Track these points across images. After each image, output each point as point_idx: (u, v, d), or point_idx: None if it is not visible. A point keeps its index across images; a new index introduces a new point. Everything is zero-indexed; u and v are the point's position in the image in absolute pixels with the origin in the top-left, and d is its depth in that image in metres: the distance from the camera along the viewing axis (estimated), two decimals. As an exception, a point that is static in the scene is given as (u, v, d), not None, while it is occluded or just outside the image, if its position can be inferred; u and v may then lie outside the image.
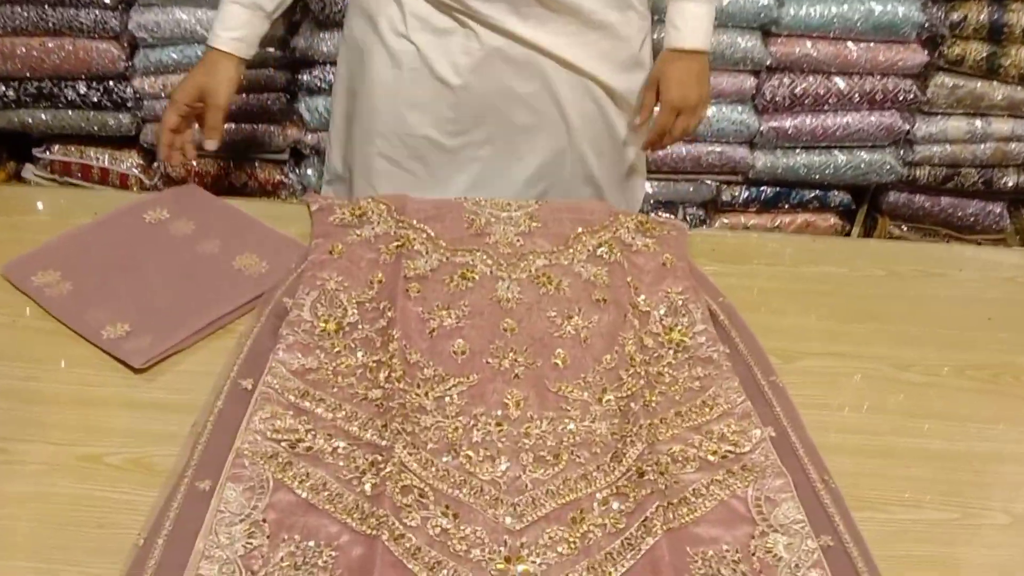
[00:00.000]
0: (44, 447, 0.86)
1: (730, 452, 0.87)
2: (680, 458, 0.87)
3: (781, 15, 1.86)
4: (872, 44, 1.91)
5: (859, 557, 0.78)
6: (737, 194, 2.11)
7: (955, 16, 1.89)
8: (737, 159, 2.04)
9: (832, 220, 2.18)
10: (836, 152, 2.04)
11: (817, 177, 2.06)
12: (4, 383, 0.93)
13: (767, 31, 1.90)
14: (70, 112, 1.95)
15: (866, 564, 0.77)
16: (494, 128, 1.31)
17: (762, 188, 2.11)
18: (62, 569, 0.74)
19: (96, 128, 1.96)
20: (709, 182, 2.09)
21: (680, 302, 1.08)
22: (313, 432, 0.86)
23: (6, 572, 0.74)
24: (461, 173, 1.34)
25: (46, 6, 1.81)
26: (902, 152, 2.06)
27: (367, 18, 1.29)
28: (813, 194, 2.12)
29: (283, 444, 0.84)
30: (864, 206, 2.19)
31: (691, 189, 2.09)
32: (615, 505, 0.81)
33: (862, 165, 2.05)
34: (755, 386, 0.98)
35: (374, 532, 0.76)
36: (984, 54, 1.92)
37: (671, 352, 1.01)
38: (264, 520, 0.77)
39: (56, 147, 2.03)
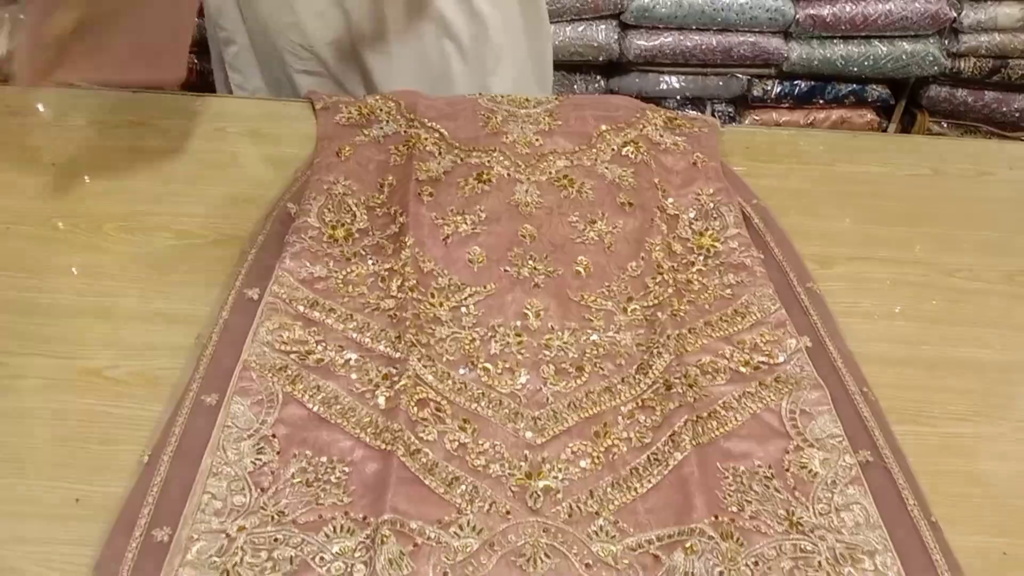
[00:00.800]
0: (43, 360, 0.83)
1: (763, 363, 0.84)
2: (710, 369, 0.84)
3: None
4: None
5: (900, 473, 0.75)
6: (769, 88, 2.03)
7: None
8: (771, 50, 1.95)
9: (868, 116, 2.11)
10: (876, 42, 1.95)
11: (855, 70, 1.97)
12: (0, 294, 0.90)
13: (804, -89, 1.80)
14: None
15: (907, 480, 0.75)
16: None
17: (796, 82, 2.03)
18: (66, 487, 0.73)
19: None
20: (740, 76, 2.01)
21: (711, 204, 1.03)
22: (323, 343, 0.84)
23: (6, 490, 0.72)
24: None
25: None
26: (947, 42, 1.97)
27: None
28: (849, 88, 2.04)
29: (292, 356, 0.82)
30: (903, 101, 2.11)
31: (720, 83, 2.01)
32: (641, 418, 0.78)
33: (903, 56, 1.96)
34: (791, 293, 0.94)
35: (388, 447, 0.74)
36: None
37: (701, 258, 0.97)
38: (273, 435, 0.75)
39: None
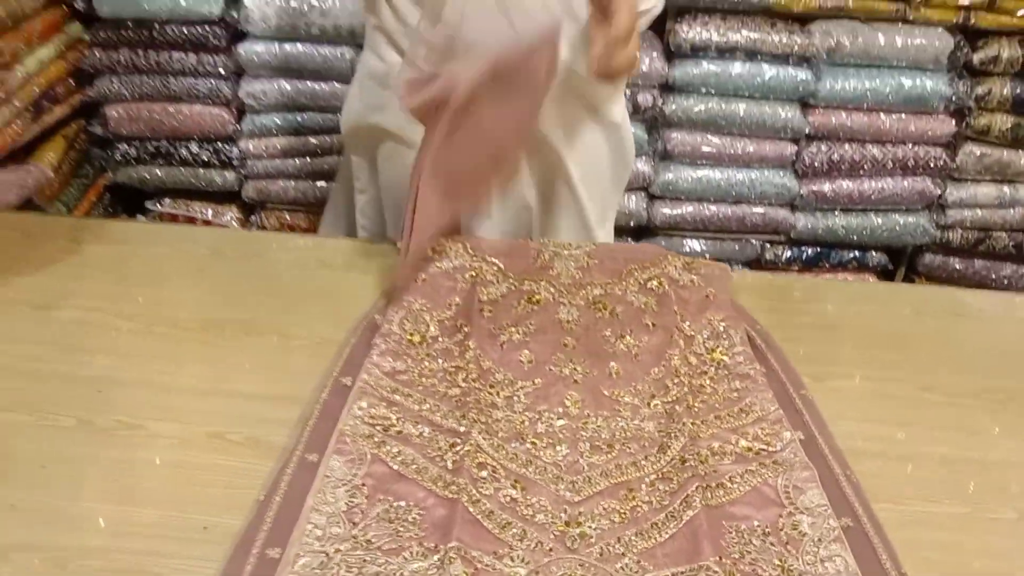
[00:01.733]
0: (177, 426, 0.99)
1: (763, 450, 0.97)
2: (718, 452, 0.96)
3: (818, 88, 1.99)
4: (903, 115, 2.02)
5: (876, 536, 0.86)
6: (780, 253, 2.21)
7: (980, 90, 2.00)
8: (779, 220, 2.15)
9: (871, 280, 2.27)
10: (872, 215, 2.14)
11: (855, 238, 2.15)
12: (144, 377, 1.07)
13: (805, 103, 2.03)
14: (181, 169, 2.15)
15: (882, 542, 0.85)
16: None
17: (803, 248, 2.21)
18: (196, 518, 0.86)
19: (204, 184, 2.16)
20: (754, 241, 2.20)
21: (722, 327, 1.18)
22: (402, 419, 0.98)
23: (145, 516, 0.86)
24: None
25: (170, 76, 2.03)
26: (935, 216, 2.15)
27: None
28: (852, 255, 2.21)
29: (378, 428, 0.96)
30: (902, 267, 2.27)
31: (736, 248, 2.20)
32: (660, 487, 0.91)
33: (897, 227, 2.14)
34: (787, 398, 1.07)
35: (454, 496, 0.87)
36: (1008, 125, 2.02)
37: (712, 368, 1.11)
38: (363, 484, 0.89)
39: (166, 200, 2.24)
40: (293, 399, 1.03)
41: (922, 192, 2.09)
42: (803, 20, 1.98)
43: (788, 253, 2.21)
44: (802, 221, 2.15)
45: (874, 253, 2.20)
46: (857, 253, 2.20)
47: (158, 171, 2.16)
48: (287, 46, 1.98)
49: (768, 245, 2.20)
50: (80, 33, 2.07)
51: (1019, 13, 1.92)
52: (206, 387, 1.06)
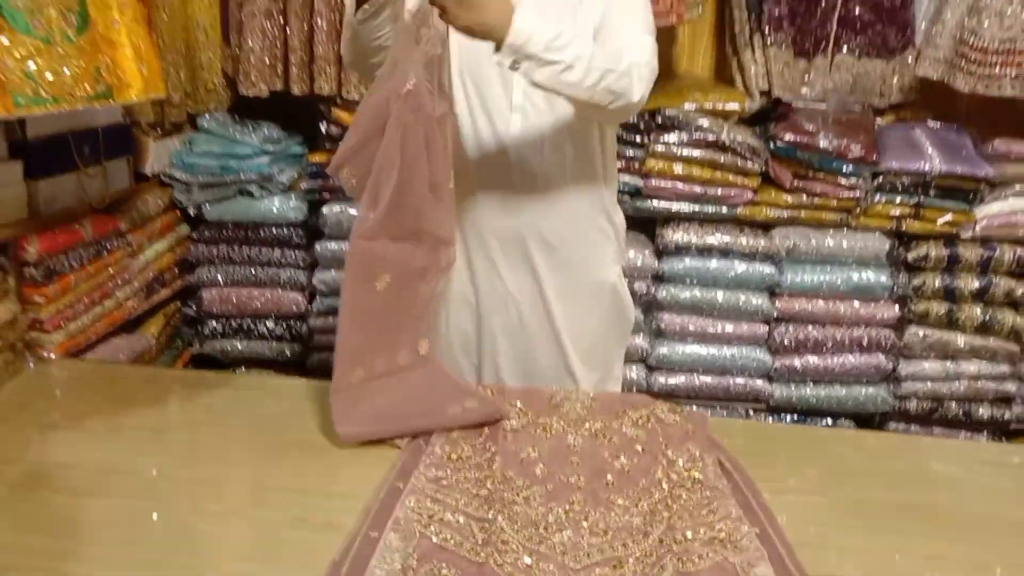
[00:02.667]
0: (270, 512, 1.21)
1: (726, 538, 1.17)
2: (691, 539, 1.16)
3: (781, 280, 2.28)
4: (855, 302, 2.29)
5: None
6: (762, 420, 2.42)
7: (916, 281, 2.28)
8: (759, 389, 2.38)
9: (843, 445, 2.45)
10: (838, 386, 2.36)
11: (825, 406, 2.37)
12: (246, 476, 1.31)
13: (772, 292, 2.32)
14: (258, 342, 2.45)
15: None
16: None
17: (783, 415, 2.42)
18: (281, 569, 1.08)
19: (275, 355, 2.45)
20: (740, 409, 2.42)
21: (697, 453, 1.40)
22: (443, 510, 1.19)
23: (240, 568, 1.08)
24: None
25: (258, 266, 2.38)
26: (892, 387, 2.37)
27: None
28: (826, 422, 2.41)
29: (424, 516, 1.17)
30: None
31: (724, 414, 2.42)
32: (644, 560, 1.10)
33: (860, 397, 2.35)
34: (747, 503, 1.27)
35: (484, 560, 1.07)
36: (944, 310, 2.28)
37: (689, 482, 1.32)
38: (413, 552, 1.09)
39: (242, 369, 2.51)
40: (355, 497, 1.25)
41: (877, 367, 2.33)
42: (766, 227, 2.32)
43: (769, 419, 2.41)
44: (779, 391, 2.37)
45: (844, 420, 2.40)
46: (830, 420, 2.41)
47: (238, 344, 2.46)
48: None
49: (752, 412, 2.42)
50: (187, 232, 2.44)
51: (940, 221, 2.25)
52: (294, 485, 1.29)
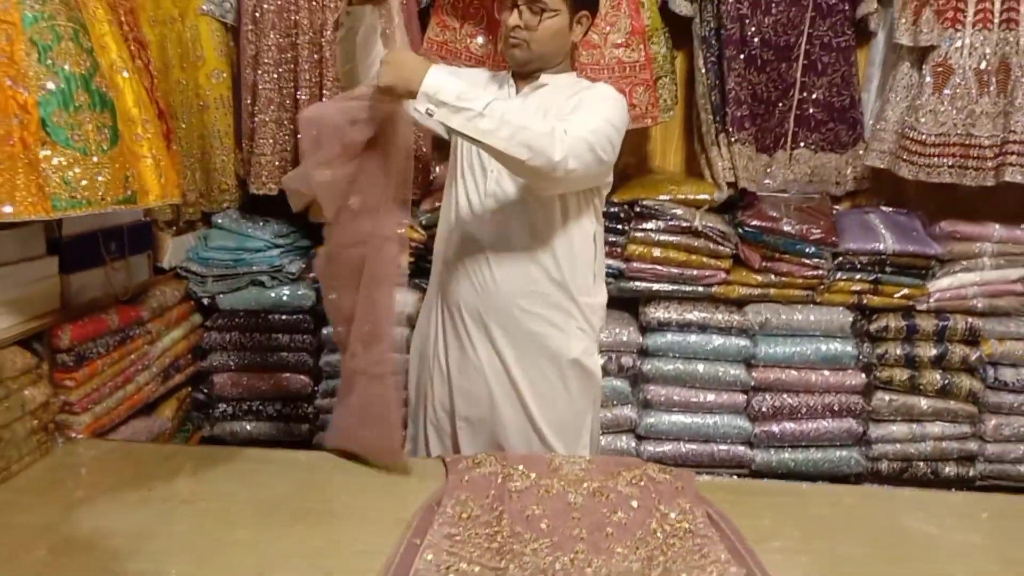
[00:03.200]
0: (301, 569, 1.29)
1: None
2: (684, 580, 1.26)
3: (756, 352, 2.42)
4: (825, 371, 2.43)
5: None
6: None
7: (879, 350, 2.43)
8: (740, 455, 2.47)
9: (823, 509, 2.53)
10: (813, 450, 2.47)
11: (804, 470, 2.46)
12: (260, 537, 1.39)
13: (748, 363, 2.45)
14: (266, 423, 2.53)
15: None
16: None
17: (764, 479, 2.50)
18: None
19: (282, 435, 2.52)
20: (724, 474, 2.50)
21: (687, 507, 1.50)
22: (458, 562, 1.28)
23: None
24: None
25: (268, 351, 2.48)
26: (864, 449, 2.48)
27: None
28: (806, 485, 2.50)
29: (442, 567, 1.26)
30: (848, 498, 2.55)
31: (711, 480, 2.50)
32: (644, 600, 1.20)
33: (835, 459, 2.45)
34: (735, 549, 1.36)
35: (500, 602, 1.16)
36: (906, 376, 2.42)
37: (681, 532, 1.42)
38: (435, 597, 1.18)
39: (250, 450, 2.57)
40: (377, 554, 1.34)
41: (849, 430, 2.43)
42: (739, 303, 2.46)
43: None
44: (760, 456, 2.47)
45: (821, 483, 2.49)
46: (807, 485, 2.49)
47: (247, 425, 2.53)
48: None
49: (736, 477, 2.50)
50: (199, 321, 2.54)
51: (896, 296, 2.41)
52: (318, 546, 1.37)
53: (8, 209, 1.53)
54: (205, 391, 2.54)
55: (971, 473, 2.48)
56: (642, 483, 1.57)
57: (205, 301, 2.50)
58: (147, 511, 1.55)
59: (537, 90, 1.80)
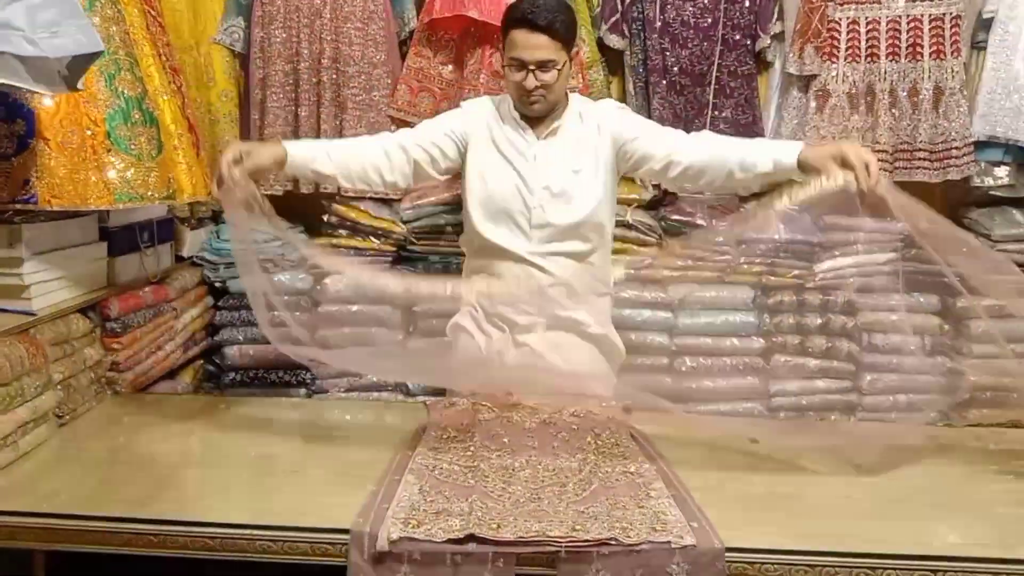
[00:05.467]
0: (318, 472, 1.63)
1: (634, 471, 1.63)
2: (609, 472, 1.62)
3: (677, 323, 2.80)
4: (733, 338, 2.82)
5: (688, 499, 1.52)
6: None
7: (775, 320, 2.81)
8: (663, 408, 2.85)
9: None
10: (723, 404, 2.84)
11: (717, 421, 2.86)
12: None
13: (671, 332, 2.83)
14: (271, 389, 2.83)
15: (691, 500, 1.51)
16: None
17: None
18: (336, 497, 1.49)
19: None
20: (652, 428, 2.89)
21: (616, 428, 1.87)
22: (441, 462, 1.63)
23: (304, 499, 1.49)
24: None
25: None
26: (765, 402, 2.87)
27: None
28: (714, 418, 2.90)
29: (429, 465, 1.61)
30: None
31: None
32: (578, 483, 1.56)
33: (740, 411, 2.82)
34: (649, 454, 1.73)
35: (474, 486, 1.52)
36: (797, 341, 2.80)
37: (609, 444, 1.77)
38: (425, 484, 1.53)
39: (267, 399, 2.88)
40: (381, 463, 1.68)
41: (752, 387, 2.81)
42: (663, 283, 2.85)
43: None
44: (680, 408, 2.83)
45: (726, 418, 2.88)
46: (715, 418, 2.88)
47: (254, 391, 2.83)
48: (354, 307, 2.78)
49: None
50: (212, 303, 2.84)
51: (789, 275, 2.81)
52: (332, 460, 1.71)
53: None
54: (216, 362, 2.84)
55: (851, 420, 2.89)
56: (582, 415, 1.94)
57: (217, 285, 2.80)
58: (190, 438, 1.89)
59: (555, 134, 2.00)
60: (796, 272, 2.81)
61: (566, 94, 2.04)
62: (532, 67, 1.88)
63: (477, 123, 2.05)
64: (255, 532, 1.39)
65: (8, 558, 1.49)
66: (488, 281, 2.02)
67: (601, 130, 2.02)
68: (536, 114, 1.98)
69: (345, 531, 1.37)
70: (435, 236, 2.78)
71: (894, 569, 1.33)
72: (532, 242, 1.99)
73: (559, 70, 1.91)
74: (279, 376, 2.83)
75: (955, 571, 1.33)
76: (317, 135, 2.75)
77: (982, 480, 1.69)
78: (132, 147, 1.94)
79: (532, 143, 2.01)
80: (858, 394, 2.88)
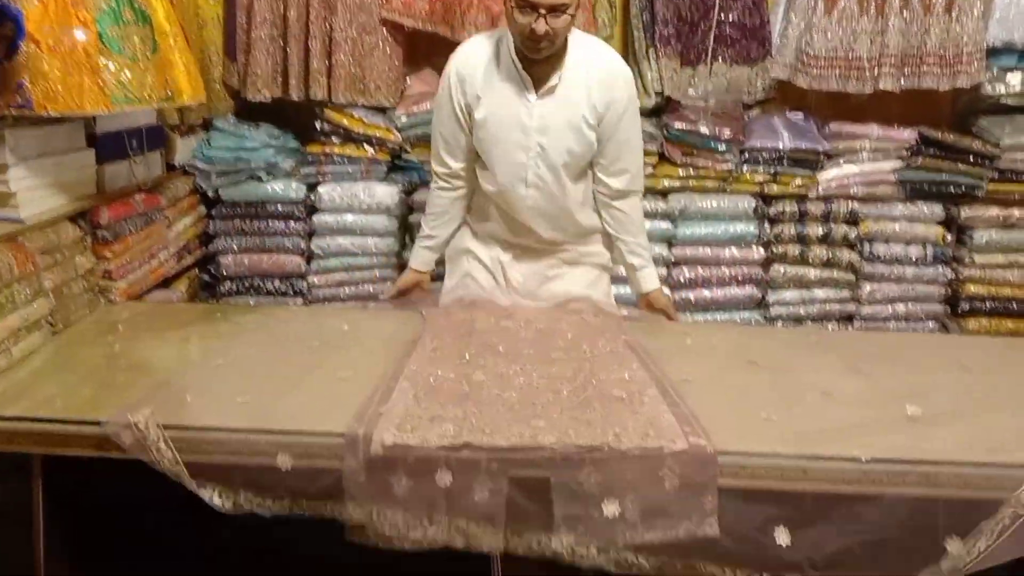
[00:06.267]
0: (316, 375, 1.63)
1: (628, 378, 1.62)
2: (603, 378, 1.61)
3: (676, 233, 2.76)
4: (732, 248, 2.78)
5: (683, 405, 1.51)
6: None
7: (776, 231, 2.78)
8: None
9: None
10: (721, 313, 2.85)
11: (714, 331, 2.85)
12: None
13: (670, 242, 2.80)
14: (266, 297, 2.82)
15: (686, 407, 1.50)
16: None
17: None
18: (331, 404, 1.48)
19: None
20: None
21: (611, 336, 1.85)
22: (437, 369, 1.62)
23: (301, 402, 1.49)
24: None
25: (266, 236, 2.76)
26: (762, 312, 2.87)
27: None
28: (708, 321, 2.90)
29: (424, 373, 1.60)
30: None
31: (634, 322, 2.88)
32: (572, 388, 1.56)
33: (738, 321, 2.84)
34: (643, 361, 1.71)
35: (469, 392, 1.51)
36: (798, 251, 2.78)
37: (604, 352, 1.76)
38: (421, 390, 1.52)
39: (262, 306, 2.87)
40: (378, 372, 1.67)
41: (751, 296, 2.80)
42: (663, 193, 2.79)
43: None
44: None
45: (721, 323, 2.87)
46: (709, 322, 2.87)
47: (250, 300, 2.80)
48: (346, 216, 2.73)
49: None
50: (204, 212, 2.79)
51: (792, 185, 2.75)
52: (329, 364, 1.70)
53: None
54: (212, 271, 2.82)
55: (849, 330, 2.88)
56: (579, 324, 1.92)
57: (210, 194, 2.75)
58: (187, 345, 1.88)
59: (553, 92, 1.90)
60: (799, 181, 2.75)
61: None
62: (543, 11, 1.75)
63: (471, 86, 1.94)
64: (251, 436, 1.39)
65: (6, 463, 1.50)
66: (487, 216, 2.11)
67: (599, 101, 1.92)
68: (540, 57, 1.85)
69: (340, 435, 1.37)
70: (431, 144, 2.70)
71: (887, 473, 1.33)
72: (529, 189, 1.99)
73: (571, 14, 1.80)
74: (275, 285, 2.82)
75: (946, 475, 1.33)
76: (306, 40, 2.65)
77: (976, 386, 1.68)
78: (126, 48, 1.85)
79: (532, 105, 1.91)
80: (857, 304, 2.87)
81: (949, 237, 2.81)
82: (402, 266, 2.81)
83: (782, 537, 1.35)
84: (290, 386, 1.58)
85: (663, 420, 1.44)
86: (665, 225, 2.76)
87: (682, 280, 2.80)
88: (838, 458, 1.36)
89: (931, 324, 2.86)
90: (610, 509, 1.34)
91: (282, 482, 1.36)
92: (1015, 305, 2.79)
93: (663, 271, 2.79)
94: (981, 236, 2.77)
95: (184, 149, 2.74)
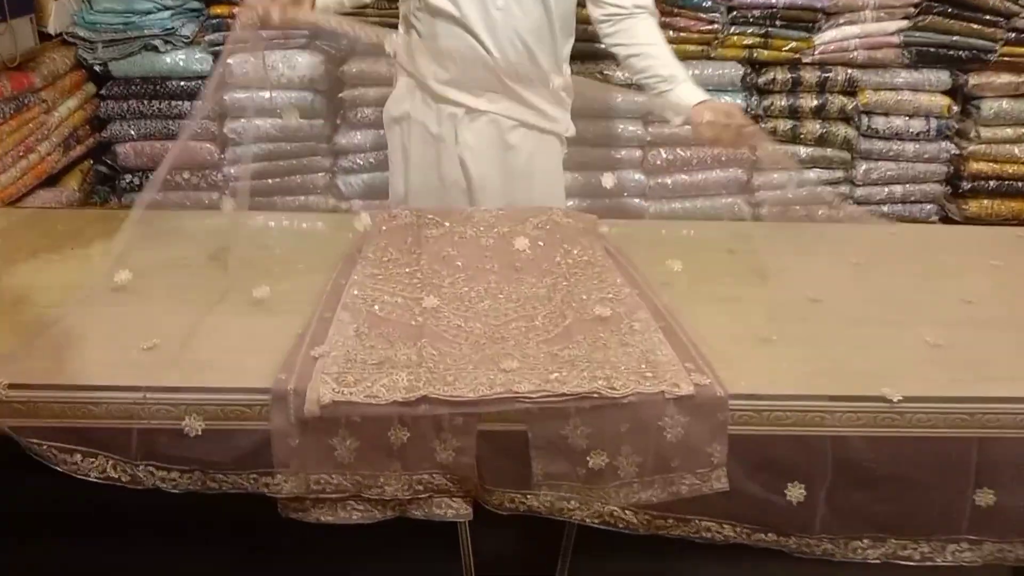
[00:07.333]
0: (234, 304, 1.38)
1: (613, 297, 1.41)
2: (585, 299, 1.40)
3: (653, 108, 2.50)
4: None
5: (680, 331, 1.31)
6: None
7: (766, 103, 2.55)
8: (636, 207, 2.63)
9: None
10: (702, 199, 2.65)
11: (693, 217, 2.65)
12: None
13: (645, 119, 2.54)
14: (176, 192, 2.50)
15: (684, 333, 1.30)
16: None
17: (656, 228, 2.70)
18: (256, 344, 1.25)
19: (189, 203, 2.51)
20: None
21: (587, 243, 1.63)
22: (382, 294, 1.38)
23: (221, 342, 1.25)
24: None
25: (169, 119, 2.40)
26: (747, 197, 2.68)
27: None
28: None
29: (367, 299, 1.36)
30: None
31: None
32: (549, 316, 1.34)
33: (720, 206, 2.64)
34: (628, 275, 1.51)
35: (423, 324, 1.28)
36: (789, 127, 2.57)
37: (582, 263, 1.55)
38: (363, 323, 1.29)
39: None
40: (309, 295, 1.43)
41: (735, 179, 2.60)
42: (639, 59, 2.50)
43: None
44: (653, 207, 2.62)
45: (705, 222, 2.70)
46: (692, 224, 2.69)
47: (157, 196, 2.49)
48: (263, 92, 2.37)
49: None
50: (94, 91, 2.41)
51: (784, 48, 2.49)
52: (250, 287, 1.44)
53: None
54: (109, 162, 2.47)
55: (840, 216, 2.72)
56: (547, 227, 1.68)
57: (97, 68, 2.36)
58: (74, 267, 1.59)
59: None
60: (793, 44, 2.49)
61: None
62: None
63: None
64: (150, 396, 1.15)
65: None
66: (435, 55, 1.81)
67: None
68: None
69: (264, 391, 1.14)
70: None
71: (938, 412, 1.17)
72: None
73: None
74: (184, 178, 2.49)
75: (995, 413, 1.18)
76: None
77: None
78: None
79: None
80: (851, 185, 2.69)
81: (955, 108, 2.60)
82: (335, 152, 2.52)
83: (793, 492, 1.19)
84: (201, 324, 1.33)
85: (660, 353, 1.24)
86: (640, 99, 2.48)
87: (658, 163, 2.57)
88: (865, 398, 1.19)
89: (928, 207, 2.70)
90: (599, 463, 1.16)
91: (191, 450, 1.14)
92: (1021, 184, 2.64)
93: (637, 153, 2.54)
94: (989, 107, 2.58)
95: (60, 13, 2.32)
